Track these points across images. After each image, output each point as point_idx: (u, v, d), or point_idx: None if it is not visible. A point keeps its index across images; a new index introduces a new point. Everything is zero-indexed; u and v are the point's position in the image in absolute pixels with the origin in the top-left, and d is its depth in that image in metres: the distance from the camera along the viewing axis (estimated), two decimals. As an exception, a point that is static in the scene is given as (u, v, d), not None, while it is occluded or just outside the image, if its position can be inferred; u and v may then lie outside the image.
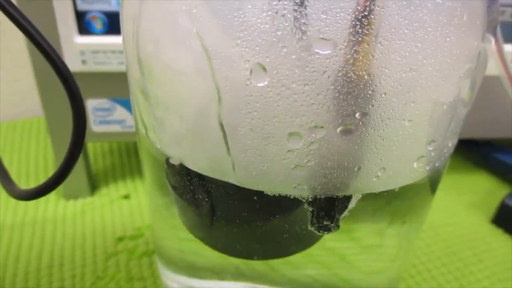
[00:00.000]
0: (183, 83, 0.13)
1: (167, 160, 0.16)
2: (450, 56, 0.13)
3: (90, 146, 0.38)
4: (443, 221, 0.33)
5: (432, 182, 0.18)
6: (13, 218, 0.30)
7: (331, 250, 0.21)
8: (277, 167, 0.13)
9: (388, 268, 0.21)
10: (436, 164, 0.15)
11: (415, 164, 0.14)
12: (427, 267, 0.29)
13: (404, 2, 0.11)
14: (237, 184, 0.14)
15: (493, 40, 0.15)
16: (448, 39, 0.12)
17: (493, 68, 0.31)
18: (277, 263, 0.21)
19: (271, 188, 0.14)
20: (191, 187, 0.16)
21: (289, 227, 0.16)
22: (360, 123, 0.12)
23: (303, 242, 0.17)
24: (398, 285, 0.24)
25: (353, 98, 0.12)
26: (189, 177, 0.16)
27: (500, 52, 0.30)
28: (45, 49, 0.14)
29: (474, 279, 0.29)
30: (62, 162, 0.16)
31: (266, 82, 0.12)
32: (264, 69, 0.12)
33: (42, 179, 0.34)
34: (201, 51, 0.12)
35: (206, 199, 0.16)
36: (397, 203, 0.17)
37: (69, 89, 0.15)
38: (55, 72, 0.15)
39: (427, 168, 0.15)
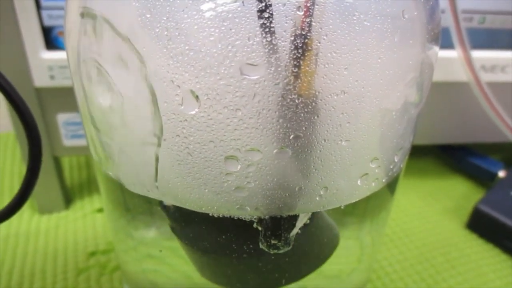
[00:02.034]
0: (125, 108, 0.13)
1: (161, 202, 0.16)
2: (386, 75, 0.13)
3: (66, 159, 0.38)
4: (417, 228, 0.34)
5: (389, 187, 0.18)
6: (-14, 234, 0.30)
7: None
8: (218, 189, 0.13)
9: (355, 270, 0.21)
10: (383, 180, 0.15)
11: (359, 182, 0.14)
12: (400, 275, 0.29)
13: (331, 26, 0.11)
14: (180, 205, 0.14)
15: (436, 48, 0.15)
16: (379, 60, 0.12)
17: (463, 74, 0.32)
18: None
19: (214, 210, 0.14)
20: (186, 226, 0.16)
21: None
22: (296, 145, 0.12)
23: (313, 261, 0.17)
24: (367, 286, 0.24)
25: (285, 121, 0.12)
26: (182, 217, 0.16)
27: (468, 59, 0.31)
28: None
29: (446, 286, 0.29)
30: (20, 188, 0.16)
31: (197, 109, 0.12)
32: (196, 96, 0.12)
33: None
34: (141, 76, 0.12)
35: (202, 236, 0.16)
36: (352, 206, 0.17)
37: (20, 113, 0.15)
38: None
39: (373, 184, 0.15)
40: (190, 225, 0.16)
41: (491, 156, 0.39)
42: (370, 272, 0.24)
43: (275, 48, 0.11)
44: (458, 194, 0.37)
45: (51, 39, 0.28)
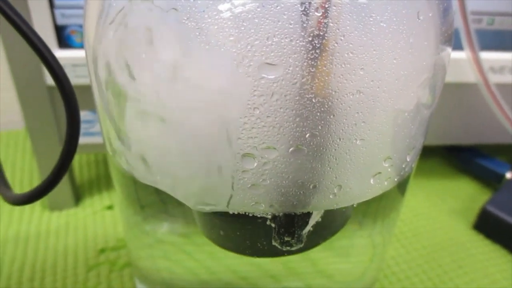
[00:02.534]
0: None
1: None
2: (401, 75, 0.13)
3: (76, 157, 0.38)
4: (424, 228, 0.34)
5: (399, 187, 0.18)
6: (-3, 230, 0.31)
7: (308, 260, 0.22)
8: (234, 186, 0.14)
9: (367, 270, 0.21)
10: (395, 179, 0.16)
11: (371, 181, 0.15)
12: (407, 275, 0.29)
13: (348, 27, 0.12)
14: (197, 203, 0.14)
15: (449, 49, 0.15)
16: (395, 61, 0.12)
17: (471, 75, 0.32)
18: (255, 276, 0.21)
19: (230, 207, 0.14)
20: (218, 228, 0.16)
21: None
22: (311, 144, 0.13)
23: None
24: (375, 286, 0.24)
25: (302, 120, 0.12)
26: (215, 218, 0.16)
27: (477, 60, 0.31)
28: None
29: (453, 285, 0.29)
30: (56, 165, 0.16)
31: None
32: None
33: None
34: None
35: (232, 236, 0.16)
36: (365, 205, 0.17)
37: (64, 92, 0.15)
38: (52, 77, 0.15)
39: (386, 183, 0.15)
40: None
41: (499, 158, 0.39)
42: (379, 272, 0.24)
43: (294, 48, 0.11)
44: (465, 195, 0.37)
45: (64, 37, 0.28)
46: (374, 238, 0.19)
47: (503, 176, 0.37)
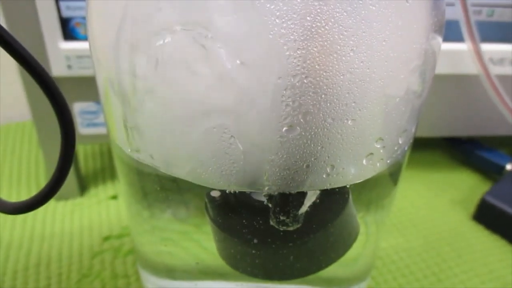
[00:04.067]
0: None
1: (208, 193, 0.17)
2: (391, 58, 0.13)
3: (80, 148, 0.39)
4: (425, 218, 0.34)
5: (391, 175, 0.18)
6: (5, 218, 0.31)
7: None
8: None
9: (360, 256, 0.22)
10: (388, 161, 0.16)
11: (364, 161, 0.15)
12: (406, 263, 0.30)
13: (338, 10, 0.12)
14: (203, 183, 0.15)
15: (439, 39, 0.16)
16: (384, 43, 0.13)
17: (472, 67, 0.32)
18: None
19: (227, 186, 0.15)
20: (232, 219, 0.17)
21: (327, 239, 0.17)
22: (304, 123, 0.13)
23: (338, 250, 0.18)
24: (370, 272, 0.24)
25: (295, 100, 0.13)
26: (230, 208, 0.17)
27: (478, 51, 0.31)
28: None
29: (451, 274, 0.29)
30: (52, 176, 0.16)
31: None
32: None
33: (33, 184, 0.35)
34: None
35: (247, 228, 0.17)
36: (358, 193, 0.17)
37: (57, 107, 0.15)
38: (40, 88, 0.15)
39: (378, 165, 0.16)
40: (235, 215, 0.17)
41: (499, 149, 0.39)
42: (374, 259, 0.24)
43: (285, 30, 0.12)
44: (466, 187, 0.38)
45: (69, 29, 0.29)
46: (367, 226, 0.20)
47: (503, 167, 0.37)
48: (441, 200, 0.36)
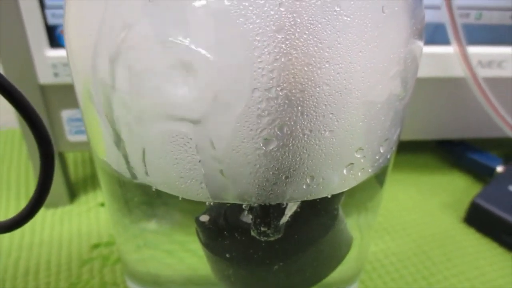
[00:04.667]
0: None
1: (197, 218, 0.17)
2: (368, 68, 0.13)
3: (70, 155, 0.39)
4: (415, 221, 0.34)
5: (377, 177, 0.18)
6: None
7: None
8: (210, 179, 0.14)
9: (347, 260, 0.22)
10: (370, 170, 0.16)
11: (344, 171, 0.15)
12: (396, 267, 0.30)
13: (312, 22, 0.12)
14: (178, 194, 0.15)
15: (420, 42, 0.16)
16: (360, 53, 0.13)
17: (460, 70, 0.32)
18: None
19: (208, 198, 0.15)
20: (223, 242, 0.17)
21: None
22: (281, 135, 0.13)
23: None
24: (358, 276, 0.24)
25: (271, 113, 0.13)
26: (219, 232, 0.17)
27: (464, 54, 0.31)
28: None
29: (442, 277, 0.29)
30: (32, 198, 0.16)
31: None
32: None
33: (23, 191, 0.35)
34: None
35: (237, 250, 0.17)
36: (341, 196, 0.17)
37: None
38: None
39: (360, 174, 0.16)
40: (225, 239, 0.17)
41: (490, 152, 0.39)
42: (362, 263, 0.24)
43: (262, 44, 0.12)
44: (457, 189, 0.38)
45: (55, 37, 0.29)
46: (353, 229, 0.20)
47: (494, 169, 0.37)
48: (432, 203, 0.36)
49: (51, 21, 0.28)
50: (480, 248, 0.32)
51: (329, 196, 0.15)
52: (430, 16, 0.31)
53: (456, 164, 0.40)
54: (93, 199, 0.35)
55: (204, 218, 0.17)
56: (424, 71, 0.33)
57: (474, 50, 0.32)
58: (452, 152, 0.40)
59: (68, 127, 0.32)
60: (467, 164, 0.39)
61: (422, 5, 0.15)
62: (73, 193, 0.35)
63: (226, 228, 0.16)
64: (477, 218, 0.33)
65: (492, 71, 0.33)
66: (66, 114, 0.31)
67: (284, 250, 0.17)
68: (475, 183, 0.38)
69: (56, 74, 0.29)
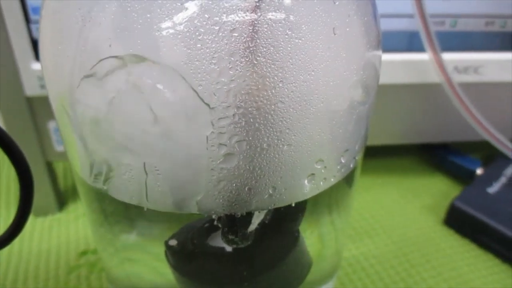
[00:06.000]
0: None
1: (166, 242, 0.18)
2: (320, 85, 0.14)
3: (59, 164, 0.40)
4: (396, 225, 0.35)
5: (345, 179, 0.19)
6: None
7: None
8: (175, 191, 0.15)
9: (323, 257, 0.23)
10: (332, 180, 0.17)
11: (306, 182, 0.16)
12: (376, 269, 0.31)
13: (265, 45, 0.13)
14: (145, 206, 0.16)
15: (378, 52, 0.16)
16: (313, 72, 0.14)
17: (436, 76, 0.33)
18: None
19: (174, 209, 0.15)
20: (190, 265, 0.18)
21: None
22: (241, 150, 0.14)
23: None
24: (335, 274, 0.25)
25: (229, 130, 0.13)
26: (188, 254, 0.18)
27: (439, 61, 0.32)
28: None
29: (420, 279, 0.30)
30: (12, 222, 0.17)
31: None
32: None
33: (12, 202, 0.36)
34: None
35: (204, 272, 0.18)
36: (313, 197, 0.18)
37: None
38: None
39: (322, 183, 0.16)
40: (194, 261, 0.18)
41: (471, 155, 0.40)
42: (336, 264, 0.25)
43: (215, 66, 0.13)
44: (437, 192, 0.38)
45: (41, 50, 0.29)
46: (321, 232, 0.20)
47: (474, 172, 0.38)
48: (413, 205, 0.37)
49: (36, 34, 0.29)
50: (458, 249, 0.33)
51: (293, 205, 0.16)
52: (406, 24, 0.32)
53: (438, 167, 0.41)
54: (82, 207, 0.35)
55: (173, 242, 0.18)
56: (404, 78, 0.34)
57: (451, 57, 0.32)
58: (434, 156, 0.41)
59: (55, 137, 0.33)
60: (448, 167, 0.40)
61: (376, 22, 0.16)
62: (62, 202, 0.36)
63: (194, 251, 0.17)
64: (456, 220, 0.34)
65: (469, 77, 0.34)
66: (52, 125, 0.32)
67: (249, 270, 0.18)
68: (455, 185, 0.39)
69: (42, 86, 0.30)
